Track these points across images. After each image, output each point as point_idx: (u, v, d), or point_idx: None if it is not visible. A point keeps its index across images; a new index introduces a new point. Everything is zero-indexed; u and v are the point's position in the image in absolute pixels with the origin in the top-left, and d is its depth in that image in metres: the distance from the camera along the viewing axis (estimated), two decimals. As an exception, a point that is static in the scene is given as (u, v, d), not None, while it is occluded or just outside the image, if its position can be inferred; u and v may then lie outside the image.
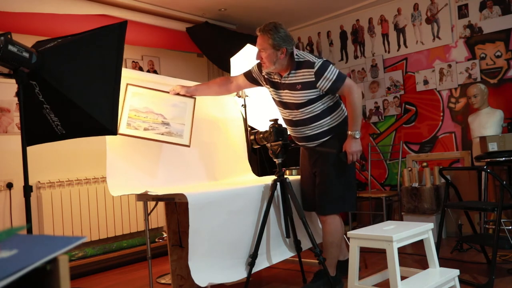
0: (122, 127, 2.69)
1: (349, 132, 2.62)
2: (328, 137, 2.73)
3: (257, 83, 2.93)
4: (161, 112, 2.87)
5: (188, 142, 2.94)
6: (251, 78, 2.92)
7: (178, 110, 2.94)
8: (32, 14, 3.71)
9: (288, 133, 2.86)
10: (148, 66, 4.92)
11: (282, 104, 2.77)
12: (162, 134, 2.86)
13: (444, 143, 4.52)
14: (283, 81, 2.69)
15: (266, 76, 2.80)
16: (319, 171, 2.77)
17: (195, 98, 3.01)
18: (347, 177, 2.76)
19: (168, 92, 2.91)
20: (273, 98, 2.87)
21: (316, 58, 2.62)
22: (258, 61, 2.74)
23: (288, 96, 2.70)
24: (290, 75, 2.65)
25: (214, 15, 4.94)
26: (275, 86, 2.76)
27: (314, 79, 2.58)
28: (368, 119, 5.06)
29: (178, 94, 2.93)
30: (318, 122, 2.70)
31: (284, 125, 2.87)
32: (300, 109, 2.68)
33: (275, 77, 2.74)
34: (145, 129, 2.79)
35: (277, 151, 2.76)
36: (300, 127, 2.75)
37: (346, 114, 2.79)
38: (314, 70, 2.57)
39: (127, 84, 2.75)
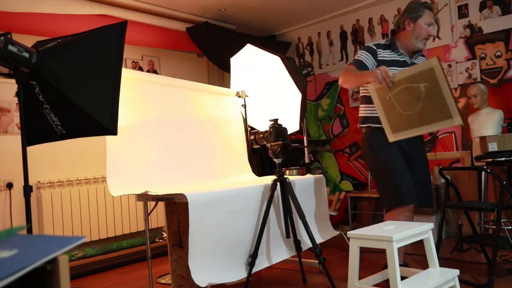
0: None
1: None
2: None
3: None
4: None
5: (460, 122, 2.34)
6: (365, 67, 2.70)
7: None
8: (32, 14, 3.70)
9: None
10: (148, 66, 4.92)
11: None
12: None
13: (444, 143, 4.52)
14: (413, 61, 2.77)
15: (385, 57, 2.72)
16: (418, 156, 2.78)
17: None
18: None
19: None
20: None
21: None
22: (360, 55, 2.72)
23: None
24: (419, 57, 2.80)
25: (214, 15, 4.94)
26: (400, 64, 2.71)
27: None
28: (368, 119, 5.06)
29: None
30: None
31: (281, 125, 2.87)
32: None
33: (400, 56, 2.74)
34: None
35: (277, 151, 2.76)
36: None
37: None
38: (425, 59, 2.80)
39: None
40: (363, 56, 2.71)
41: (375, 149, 2.73)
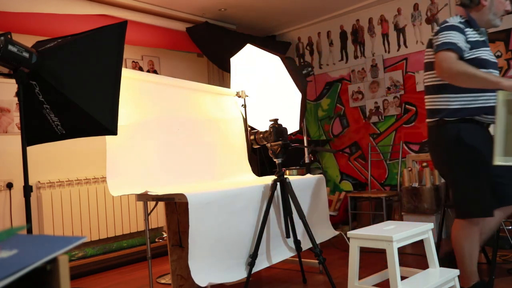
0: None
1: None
2: None
3: None
4: None
5: None
6: (462, 52, 2.24)
7: None
8: (32, 14, 3.71)
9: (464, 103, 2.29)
10: (148, 66, 4.92)
11: (487, 63, 2.30)
12: None
13: (444, 143, 4.52)
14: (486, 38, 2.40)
15: (472, 38, 2.29)
16: None
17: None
18: None
19: None
20: (476, 58, 2.27)
21: None
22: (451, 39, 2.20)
23: (489, 53, 2.34)
24: (486, 37, 2.39)
25: (214, 15, 4.94)
26: (485, 45, 2.34)
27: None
28: (368, 119, 5.06)
29: None
30: None
31: (281, 125, 2.87)
32: (497, 69, 2.36)
33: (480, 36, 2.34)
34: None
35: (277, 151, 2.76)
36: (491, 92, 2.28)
37: None
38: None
39: None
40: (457, 38, 2.19)
41: (470, 148, 2.23)
